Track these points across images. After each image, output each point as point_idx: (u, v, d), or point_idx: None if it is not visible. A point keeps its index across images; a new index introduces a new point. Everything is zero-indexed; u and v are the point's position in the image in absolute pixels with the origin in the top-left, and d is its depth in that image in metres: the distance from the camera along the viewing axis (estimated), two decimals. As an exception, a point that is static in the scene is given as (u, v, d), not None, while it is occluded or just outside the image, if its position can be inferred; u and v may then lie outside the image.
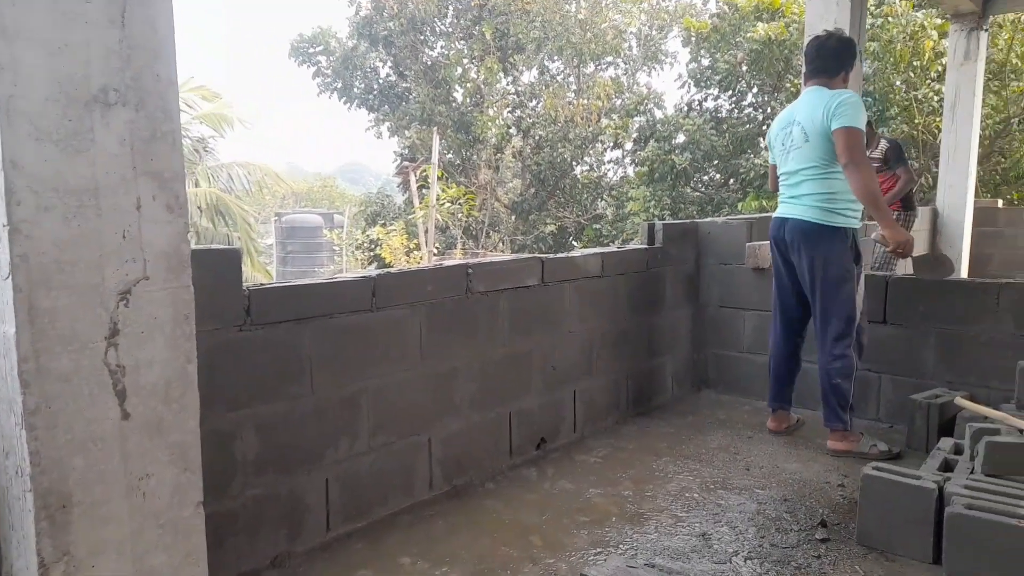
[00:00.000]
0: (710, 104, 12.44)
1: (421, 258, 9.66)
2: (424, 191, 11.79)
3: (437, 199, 9.77)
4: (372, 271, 2.73)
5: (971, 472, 2.52)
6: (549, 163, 13.99)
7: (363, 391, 2.64)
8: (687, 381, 4.49)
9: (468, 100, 15.14)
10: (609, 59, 15.54)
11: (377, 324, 2.68)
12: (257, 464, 2.34)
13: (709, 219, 4.55)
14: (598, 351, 3.76)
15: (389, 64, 15.61)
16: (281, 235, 16.35)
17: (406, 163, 11.62)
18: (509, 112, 16.38)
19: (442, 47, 15.10)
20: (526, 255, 3.43)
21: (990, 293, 3.51)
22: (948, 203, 8.34)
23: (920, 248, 8.16)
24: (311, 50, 15.37)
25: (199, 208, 18.17)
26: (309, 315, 2.47)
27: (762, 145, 11.82)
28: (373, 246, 11.21)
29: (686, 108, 12.43)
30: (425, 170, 10.26)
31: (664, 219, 11.61)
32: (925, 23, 9.30)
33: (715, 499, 2.92)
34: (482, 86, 14.43)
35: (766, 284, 4.13)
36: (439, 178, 10.62)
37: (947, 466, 2.64)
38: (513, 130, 16.17)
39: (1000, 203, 8.92)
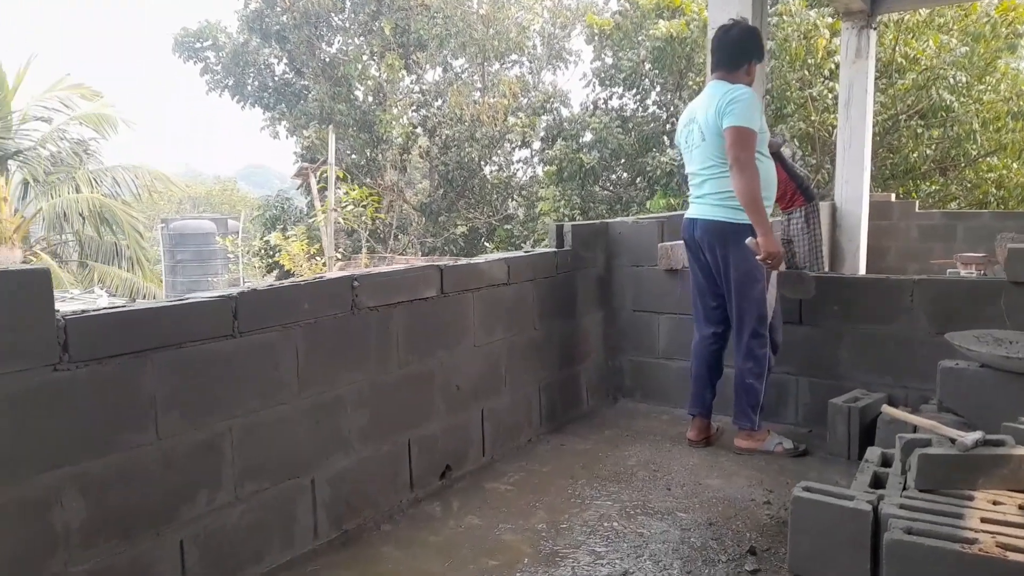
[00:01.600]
0: (615, 103, 12.42)
1: (323, 264, 9.10)
2: (326, 193, 11.20)
3: (339, 201, 9.24)
4: (234, 289, 2.31)
5: (904, 488, 2.35)
6: (457, 163, 13.64)
7: (226, 432, 2.22)
8: (603, 391, 4.24)
9: (370, 99, 14.58)
10: (514, 57, 15.34)
11: (242, 352, 2.26)
12: (85, 533, 1.89)
13: (619, 219, 4.33)
14: (507, 365, 3.45)
15: (285, 61, 14.84)
16: (169, 243, 15.22)
17: (305, 164, 10.98)
18: (414, 111, 15.93)
19: (340, 43, 14.47)
20: (422, 263, 3.08)
21: (904, 290, 3.42)
22: (845, 197, 8.53)
23: (823, 241, 8.31)
24: (197, 45, 14.39)
25: (80, 215, 16.79)
26: (151, 346, 2.03)
27: (667, 143, 11.87)
28: (272, 253, 10.53)
29: (592, 107, 12.36)
30: (326, 171, 9.70)
31: (575, 219, 11.48)
32: (818, 22, 9.53)
33: (636, 527, 2.66)
34: (384, 84, 13.90)
35: (680, 286, 3.95)
36: (341, 179, 10.06)
37: (877, 481, 2.47)
38: (419, 130, 15.73)
39: (893, 197, 9.22)
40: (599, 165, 11.13)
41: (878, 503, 2.25)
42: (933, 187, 11.22)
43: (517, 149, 14.25)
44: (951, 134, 10.21)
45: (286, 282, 2.45)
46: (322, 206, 9.64)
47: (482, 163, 13.83)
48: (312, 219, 10.36)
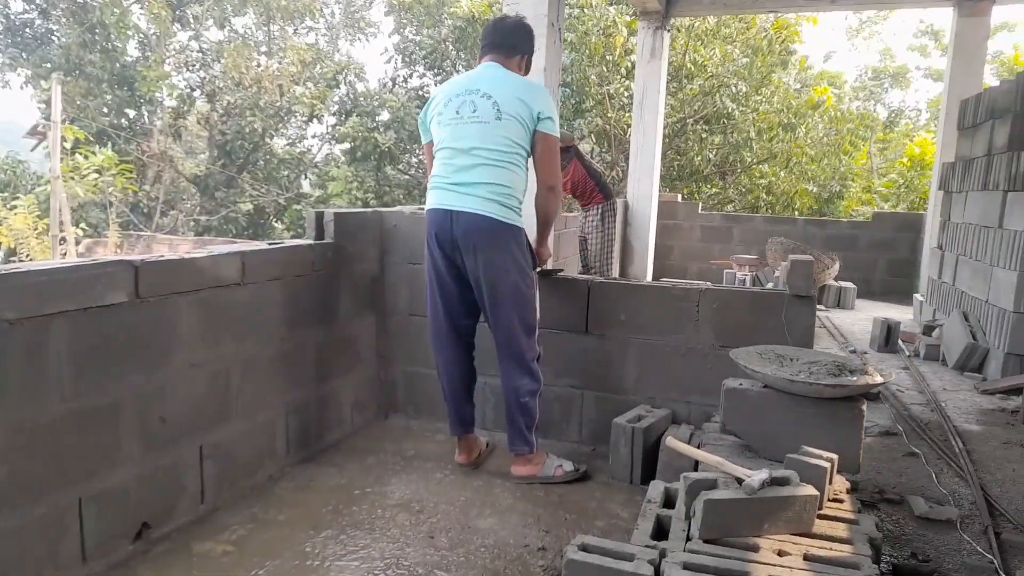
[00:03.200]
0: (416, 82, 11.81)
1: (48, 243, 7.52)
2: (75, 157, 9.44)
3: (78, 168, 7.73)
4: None
5: (688, 537, 2.04)
6: (237, 132, 12.22)
7: None
8: (372, 406, 3.67)
9: (136, 53, 12.65)
10: (309, 23, 14.15)
11: None
12: None
13: (395, 209, 3.76)
14: (239, 386, 2.75)
15: (24, -4, 12.41)
16: None
17: (41, 121, 9.15)
18: (192, 72, 14.17)
19: (99, -17, 12.36)
20: (104, 259, 2.30)
21: (690, 300, 3.21)
22: (637, 195, 8.66)
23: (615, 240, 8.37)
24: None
25: None
26: None
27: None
28: (-11, 227, 8.61)
29: (391, 83, 11.63)
30: (68, 131, 8.06)
31: (368, 203, 10.73)
32: (617, 19, 9.60)
33: (384, 598, 2.13)
34: (151, 37, 12.10)
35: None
36: (82, 142, 8.48)
37: (661, 528, 2.15)
38: (197, 93, 14.02)
39: (679, 198, 9.56)
40: (396, 147, 10.47)
41: (660, 560, 1.92)
42: (714, 190, 11.94)
43: (307, 123, 13.11)
44: (731, 140, 10.85)
45: None
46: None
47: (267, 135, 12.52)
48: (41, 187, 8.60)
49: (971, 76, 6.81)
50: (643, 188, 8.61)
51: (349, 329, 3.44)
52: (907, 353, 5.23)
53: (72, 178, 7.58)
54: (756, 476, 2.08)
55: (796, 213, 10.83)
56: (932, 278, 6.13)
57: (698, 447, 2.86)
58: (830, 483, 2.31)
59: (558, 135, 2.84)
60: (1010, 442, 3.61)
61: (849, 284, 7.45)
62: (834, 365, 2.63)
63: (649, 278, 8.74)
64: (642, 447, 3.00)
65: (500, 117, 2.73)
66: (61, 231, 7.26)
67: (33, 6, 12.14)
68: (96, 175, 7.90)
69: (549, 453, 3.06)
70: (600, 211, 5.97)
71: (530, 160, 2.88)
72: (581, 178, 5.89)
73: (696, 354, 3.22)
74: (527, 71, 3.03)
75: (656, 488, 2.39)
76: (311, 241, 3.22)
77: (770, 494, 2.07)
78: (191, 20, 12.87)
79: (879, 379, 2.58)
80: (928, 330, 5.38)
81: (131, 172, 8.26)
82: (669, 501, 2.33)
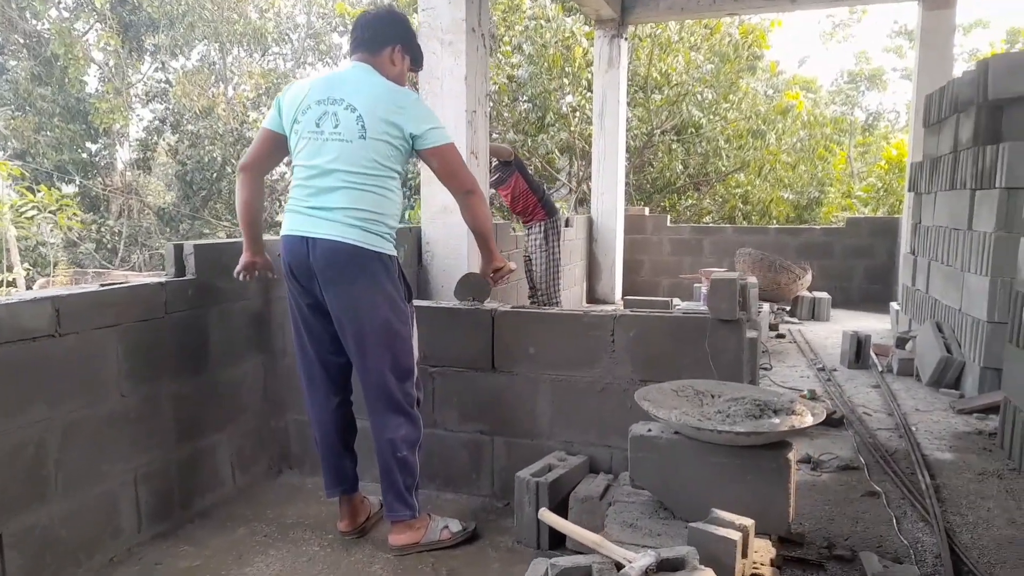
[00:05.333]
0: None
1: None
2: (11, 195, 9.02)
3: (15, 207, 7.35)
4: None
5: (550, 645, 1.61)
6: (197, 163, 11.85)
7: None
8: (262, 462, 3.24)
9: (98, 86, 12.34)
10: (276, 49, 13.86)
11: None
12: None
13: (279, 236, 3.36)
14: (59, 456, 2.32)
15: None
16: None
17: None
18: (159, 103, 13.88)
19: (51, 16, 12.03)
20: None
21: (604, 328, 2.79)
22: (601, 210, 8.30)
23: (579, 254, 7.97)
24: None
25: None
26: None
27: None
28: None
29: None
30: (1, 167, 7.65)
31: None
32: (575, 29, 9.27)
33: None
34: (108, 68, 11.77)
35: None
36: (19, 179, 8.12)
37: (524, 628, 1.72)
38: (165, 124, 13.72)
39: (647, 211, 9.17)
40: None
41: None
42: (690, 201, 11.55)
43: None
44: (701, 151, 10.48)
45: None
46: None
47: (228, 164, 12.12)
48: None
49: (940, 71, 6.43)
50: (607, 202, 8.23)
51: (225, 376, 3.02)
52: (880, 368, 4.79)
53: (10, 217, 7.19)
54: (638, 561, 1.66)
55: (774, 222, 10.43)
56: (907, 285, 5.71)
57: (611, 505, 2.44)
58: (744, 557, 1.88)
59: (448, 141, 2.46)
60: (986, 473, 3.17)
61: (824, 294, 7.03)
62: (755, 405, 2.20)
63: (618, 296, 8.32)
64: (549, 505, 2.57)
65: (365, 136, 2.35)
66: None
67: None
68: (38, 212, 7.52)
69: (432, 514, 2.64)
70: (543, 228, 5.57)
71: (421, 180, 2.53)
72: (523, 192, 5.51)
73: (614, 391, 2.79)
74: (410, 63, 2.60)
75: (536, 569, 1.95)
76: (164, 279, 2.81)
77: (655, 582, 1.64)
78: (157, 50, 12.57)
79: (808, 420, 2.16)
80: (901, 343, 4.95)
81: (74, 208, 7.87)
82: (550, 586, 1.89)
